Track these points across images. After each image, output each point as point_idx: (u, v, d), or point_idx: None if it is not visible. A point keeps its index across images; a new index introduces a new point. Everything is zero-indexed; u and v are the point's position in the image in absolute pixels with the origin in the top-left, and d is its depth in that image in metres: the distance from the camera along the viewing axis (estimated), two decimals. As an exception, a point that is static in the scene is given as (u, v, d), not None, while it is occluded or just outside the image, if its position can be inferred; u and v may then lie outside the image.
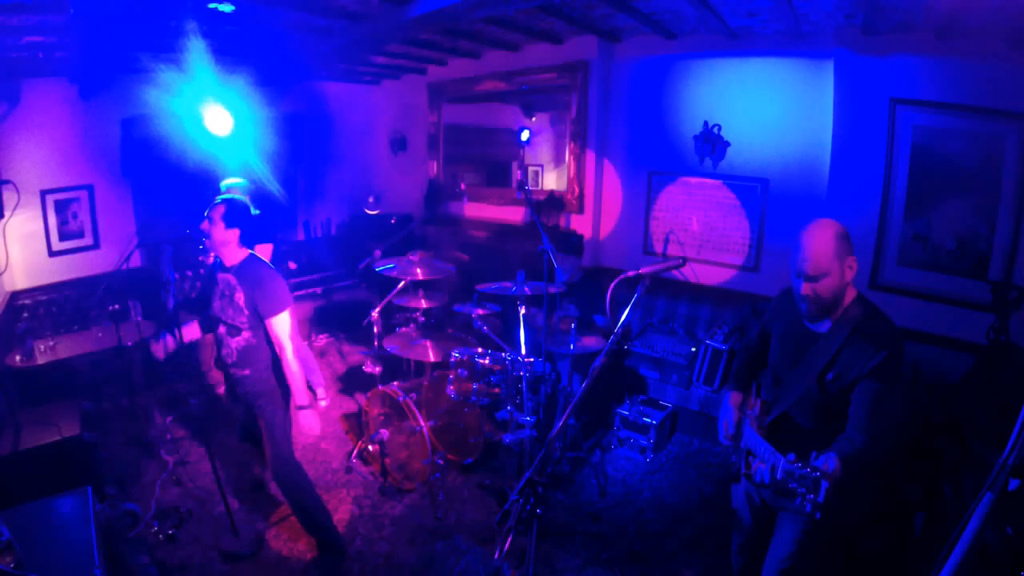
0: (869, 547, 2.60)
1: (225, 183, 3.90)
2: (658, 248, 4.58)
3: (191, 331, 2.75)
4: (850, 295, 1.78)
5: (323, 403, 4.53)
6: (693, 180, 4.31)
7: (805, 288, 1.75)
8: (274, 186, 4.62)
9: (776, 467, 1.54)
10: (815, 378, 1.77)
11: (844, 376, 1.71)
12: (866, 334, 1.70)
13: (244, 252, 2.57)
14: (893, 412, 1.69)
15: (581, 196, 4.81)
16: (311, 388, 4.59)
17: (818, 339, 1.80)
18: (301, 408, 2.62)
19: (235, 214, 2.50)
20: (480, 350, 3.19)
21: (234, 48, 4.03)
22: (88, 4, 2.33)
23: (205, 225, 2.51)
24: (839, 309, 1.76)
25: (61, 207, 4.44)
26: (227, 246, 2.52)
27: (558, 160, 6.93)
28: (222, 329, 2.59)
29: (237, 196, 2.59)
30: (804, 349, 1.83)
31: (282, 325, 2.54)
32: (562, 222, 4.95)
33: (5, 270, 4.11)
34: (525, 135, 6.35)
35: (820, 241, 1.73)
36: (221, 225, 2.48)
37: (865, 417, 1.65)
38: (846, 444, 1.63)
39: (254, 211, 2.60)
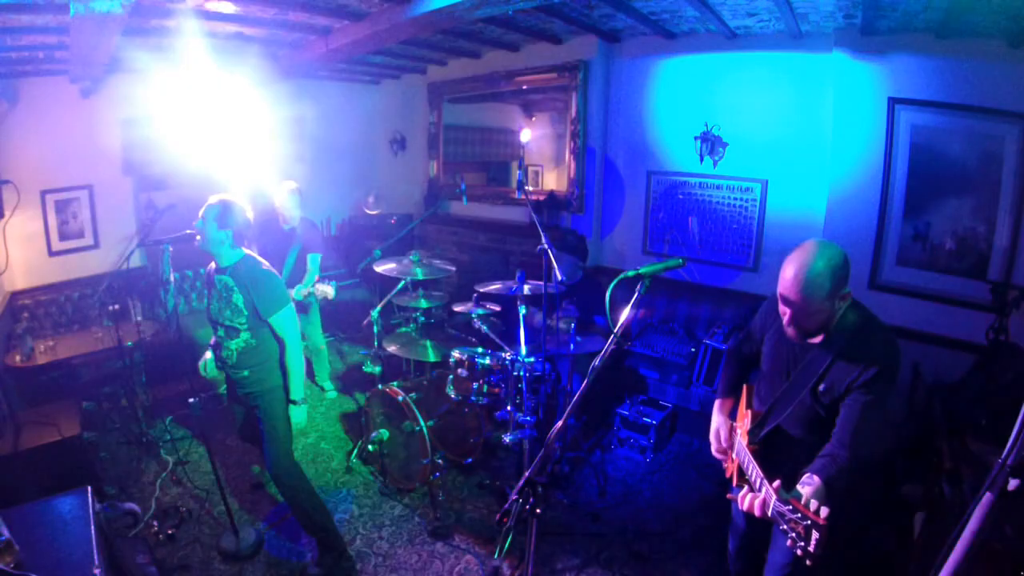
0: (869, 547, 2.60)
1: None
2: (658, 248, 4.58)
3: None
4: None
5: (331, 395, 4.59)
6: (693, 180, 4.31)
7: (788, 322, 1.69)
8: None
9: (767, 504, 1.50)
10: (809, 390, 1.72)
11: (836, 388, 1.67)
12: (859, 346, 1.64)
13: (238, 253, 2.56)
14: (881, 426, 1.64)
15: (581, 196, 4.81)
16: (317, 384, 4.61)
17: (811, 350, 1.74)
18: (293, 403, 2.65)
19: (228, 215, 2.49)
20: (480, 350, 3.18)
21: (234, 48, 4.03)
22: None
23: (198, 225, 2.50)
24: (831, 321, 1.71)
25: (61, 207, 4.44)
26: (220, 247, 2.50)
27: (558, 160, 6.94)
28: (221, 331, 2.59)
29: (231, 197, 2.58)
30: (797, 360, 1.79)
31: (286, 322, 2.56)
32: (562, 222, 4.95)
33: (5, 270, 4.11)
34: (525, 135, 6.37)
35: (811, 283, 1.58)
36: (214, 226, 2.47)
37: (851, 431, 1.61)
38: (830, 463, 1.58)
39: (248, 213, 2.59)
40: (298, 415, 2.68)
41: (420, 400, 3.28)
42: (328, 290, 3.83)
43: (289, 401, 2.65)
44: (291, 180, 4.12)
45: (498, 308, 3.60)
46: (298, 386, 2.64)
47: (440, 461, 3.22)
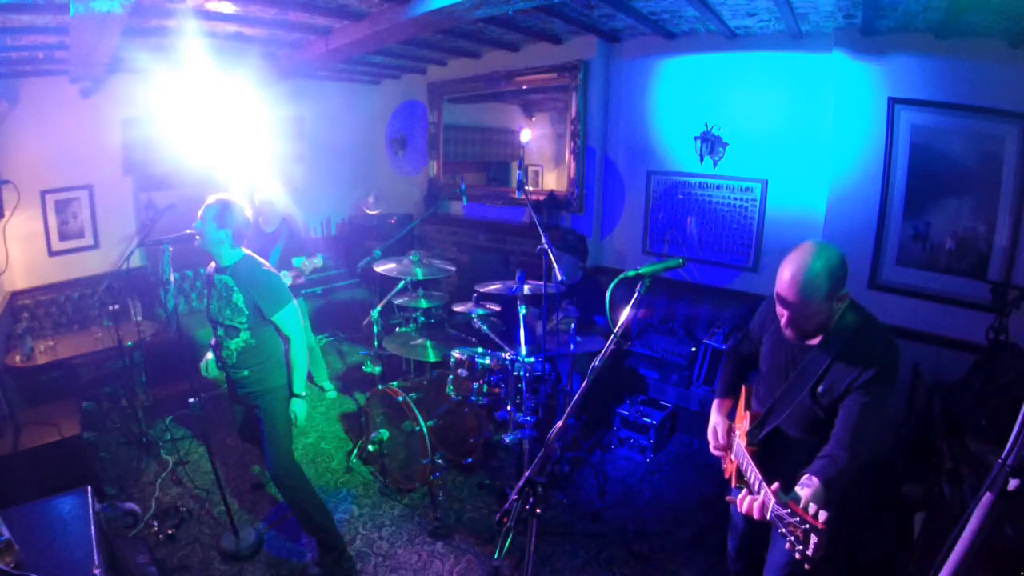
0: (869, 547, 2.60)
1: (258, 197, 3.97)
2: (658, 248, 4.58)
3: None
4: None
5: (331, 395, 4.59)
6: (693, 180, 4.31)
7: (786, 323, 1.69)
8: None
9: (766, 506, 1.48)
10: (808, 391, 1.72)
11: (835, 389, 1.67)
12: (858, 346, 1.64)
13: (238, 252, 2.57)
14: (880, 427, 1.63)
15: (581, 196, 4.81)
16: (318, 384, 4.61)
17: (809, 351, 1.74)
18: (295, 396, 2.66)
19: (227, 214, 2.49)
20: (480, 350, 3.18)
21: (234, 48, 4.03)
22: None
23: (198, 226, 2.51)
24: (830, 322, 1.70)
25: (61, 207, 4.44)
26: (220, 246, 2.51)
27: (558, 160, 6.95)
28: (220, 331, 2.60)
29: (230, 197, 2.58)
30: (795, 361, 1.78)
31: (289, 320, 2.58)
32: (562, 222, 4.95)
33: (5, 270, 4.11)
34: (525, 135, 6.38)
35: (809, 284, 1.59)
36: (213, 225, 2.47)
37: (850, 432, 1.61)
38: (829, 465, 1.57)
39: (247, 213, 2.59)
40: (300, 408, 2.69)
41: (420, 400, 3.28)
42: (316, 261, 3.93)
43: (292, 395, 2.66)
44: (278, 182, 4.10)
45: (498, 308, 3.60)
46: (300, 381, 2.66)
47: (440, 461, 3.22)
